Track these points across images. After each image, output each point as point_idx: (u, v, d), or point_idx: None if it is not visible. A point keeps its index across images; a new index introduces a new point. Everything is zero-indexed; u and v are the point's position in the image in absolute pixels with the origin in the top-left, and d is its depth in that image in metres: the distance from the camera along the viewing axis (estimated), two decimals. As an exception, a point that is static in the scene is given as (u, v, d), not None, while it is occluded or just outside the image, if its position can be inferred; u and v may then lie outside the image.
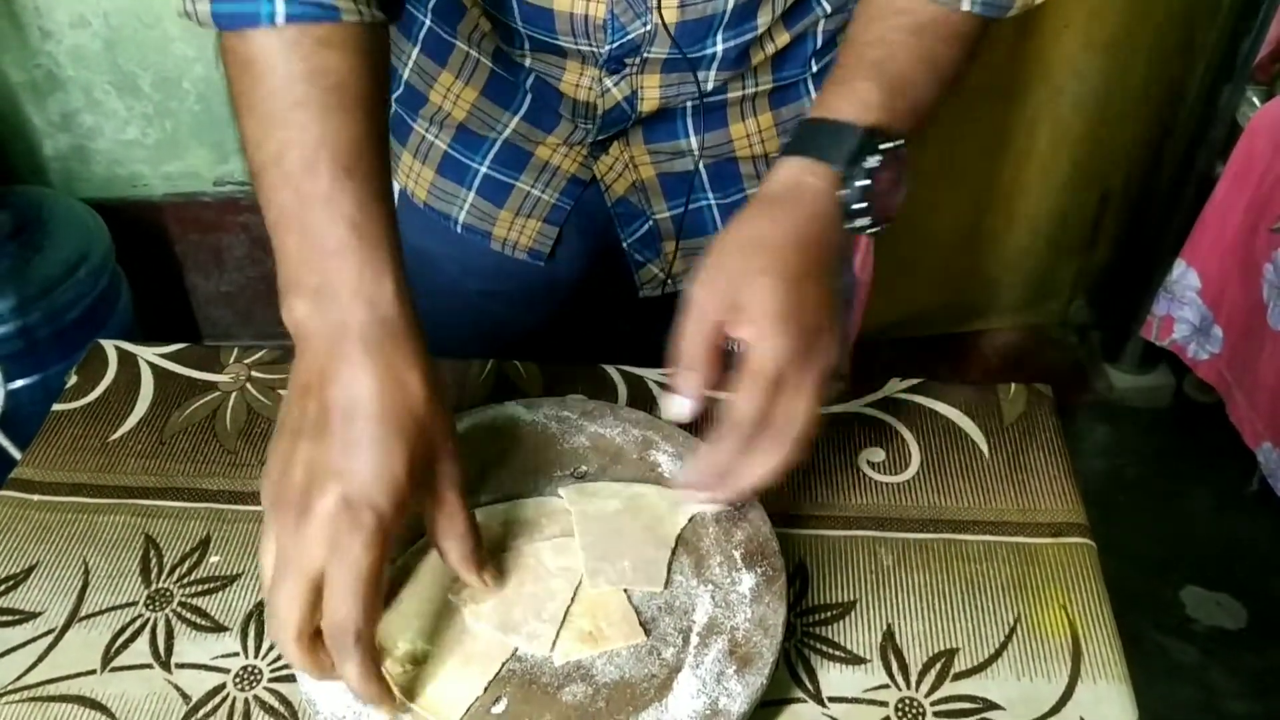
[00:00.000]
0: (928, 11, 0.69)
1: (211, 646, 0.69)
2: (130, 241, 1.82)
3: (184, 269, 2.03)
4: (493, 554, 0.66)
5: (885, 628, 0.70)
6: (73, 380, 0.86)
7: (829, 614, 0.70)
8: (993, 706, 0.66)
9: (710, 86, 0.82)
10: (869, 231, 0.67)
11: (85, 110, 1.81)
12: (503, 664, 0.62)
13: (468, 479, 0.60)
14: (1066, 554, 0.74)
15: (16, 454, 1.29)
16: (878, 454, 0.80)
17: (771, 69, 0.84)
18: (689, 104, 0.84)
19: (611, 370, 0.85)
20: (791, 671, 0.67)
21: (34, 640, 0.69)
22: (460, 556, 0.61)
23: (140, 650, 0.68)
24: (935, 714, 0.65)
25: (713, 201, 0.90)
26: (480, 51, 0.85)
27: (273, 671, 0.67)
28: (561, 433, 0.76)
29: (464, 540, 0.60)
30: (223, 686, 0.66)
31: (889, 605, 0.71)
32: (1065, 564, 0.73)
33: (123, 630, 0.69)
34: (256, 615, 0.70)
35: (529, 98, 0.85)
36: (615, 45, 0.76)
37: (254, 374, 0.87)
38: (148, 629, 0.69)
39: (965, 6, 0.69)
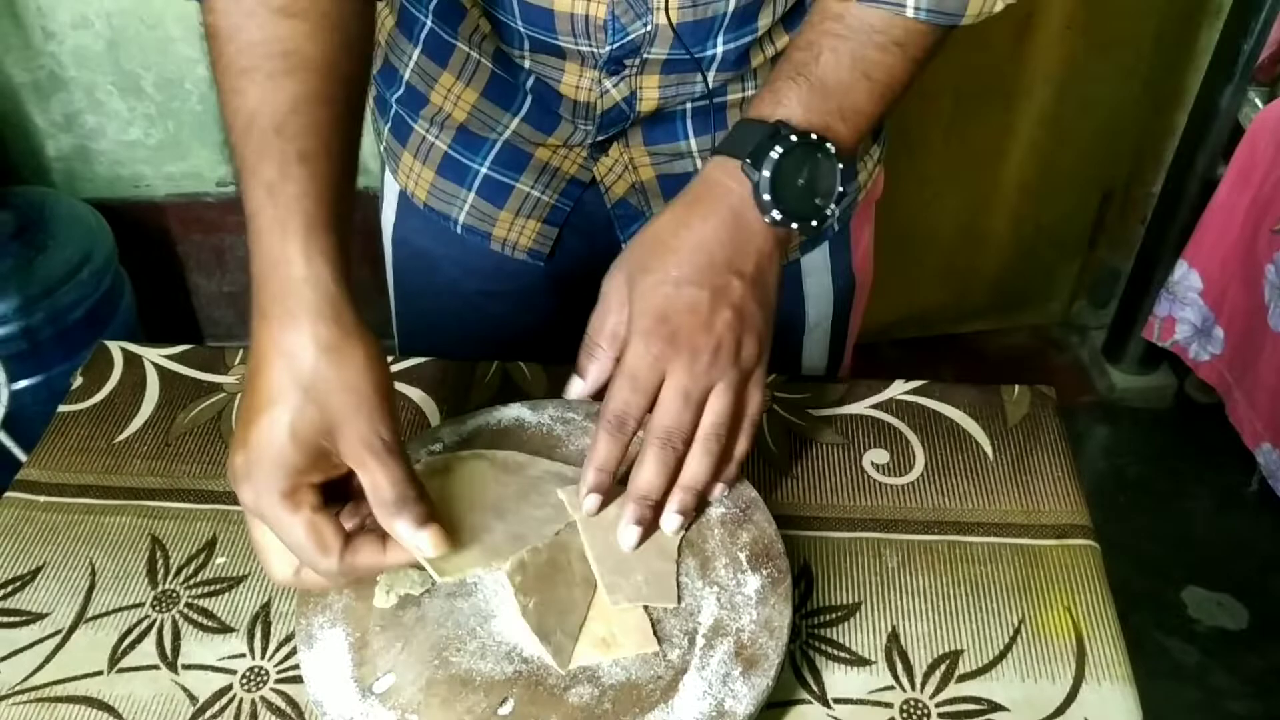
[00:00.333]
0: (862, 17, 0.68)
1: (218, 647, 0.69)
2: (133, 242, 1.82)
3: (186, 269, 2.03)
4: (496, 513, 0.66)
5: (890, 629, 0.70)
6: (78, 381, 0.86)
7: (834, 615, 0.71)
8: (997, 708, 0.66)
9: (710, 87, 0.82)
10: (797, 229, 0.68)
11: (88, 111, 1.82)
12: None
13: (391, 433, 0.57)
14: (1071, 556, 0.74)
15: (20, 454, 1.29)
16: (882, 456, 0.81)
17: (771, 71, 0.84)
18: (689, 106, 0.84)
19: (616, 372, 0.86)
20: (797, 673, 0.67)
21: (41, 641, 0.69)
22: (386, 518, 0.58)
23: (147, 651, 0.68)
24: (940, 715, 0.65)
25: None
26: (481, 53, 0.85)
27: (279, 673, 0.67)
28: (567, 434, 0.76)
29: (386, 502, 0.57)
30: (229, 687, 0.67)
31: (894, 607, 0.71)
32: (1070, 566, 0.73)
33: (129, 631, 0.70)
34: (263, 616, 0.70)
35: (529, 99, 0.85)
36: (615, 46, 0.76)
37: (259, 375, 0.87)
38: (154, 630, 0.70)
39: (909, 14, 0.68)
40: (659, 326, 0.63)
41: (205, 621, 0.70)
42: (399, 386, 0.85)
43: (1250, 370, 1.65)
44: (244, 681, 0.67)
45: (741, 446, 0.68)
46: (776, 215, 0.66)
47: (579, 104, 0.83)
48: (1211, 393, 1.83)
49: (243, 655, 0.68)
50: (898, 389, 0.85)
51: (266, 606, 0.71)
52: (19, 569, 0.73)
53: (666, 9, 0.74)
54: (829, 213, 0.68)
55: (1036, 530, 0.76)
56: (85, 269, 1.63)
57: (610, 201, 0.89)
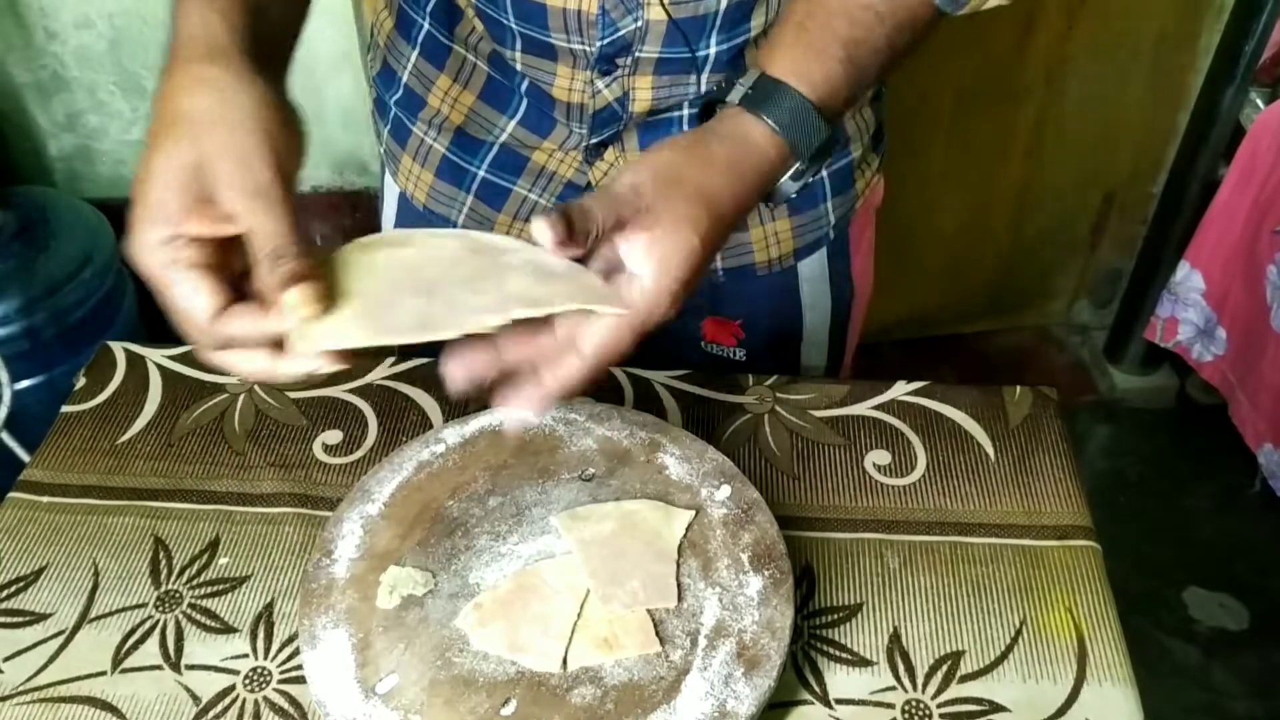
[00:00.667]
0: None
1: (221, 648, 0.69)
2: (135, 242, 1.82)
3: (188, 269, 2.03)
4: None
5: (892, 630, 0.70)
6: (81, 382, 0.87)
7: (835, 616, 0.71)
8: (999, 709, 0.66)
9: (705, 89, 0.82)
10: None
11: (90, 111, 1.82)
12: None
13: (273, 178, 0.53)
14: (1072, 556, 0.74)
15: (22, 454, 1.29)
16: (884, 457, 0.81)
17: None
18: (685, 111, 0.84)
19: (618, 372, 0.86)
20: (799, 674, 0.67)
21: (44, 641, 0.69)
22: (261, 274, 0.52)
23: (150, 651, 0.69)
24: (942, 716, 0.66)
25: None
26: (476, 55, 0.85)
27: (282, 673, 0.67)
28: (569, 435, 0.76)
29: (258, 252, 0.52)
30: (232, 688, 0.67)
31: (895, 607, 0.71)
32: (1071, 566, 0.74)
33: (133, 631, 0.70)
34: (266, 617, 0.71)
35: (524, 102, 0.86)
36: (606, 42, 0.76)
37: (262, 376, 0.87)
38: (157, 630, 0.70)
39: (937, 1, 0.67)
40: (682, 292, 0.59)
41: (208, 622, 0.70)
42: (400, 387, 0.86)
43: (1253, 371, 1.65)
44: (247, 682, 0.67)
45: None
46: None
47: (572, 106, 0.83)
48: (1213, 393, 1.83)
49: (246, 655, 0.68)
50: (899, 390, 0.85)
51: (269, 607, 0.71)
52: (22, 569, 0.73)
53: (659, 3, 0.74)
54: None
55: (1038, 531, 0.76)
56: (87, 268, 1.63)
57: None
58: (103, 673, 0.68)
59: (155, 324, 1.88)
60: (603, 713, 0.61)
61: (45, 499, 0.78)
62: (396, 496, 0.72)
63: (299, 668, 0.66)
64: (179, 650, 0.69)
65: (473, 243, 0.58)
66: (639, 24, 0.75)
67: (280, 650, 0.69)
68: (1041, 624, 0.70)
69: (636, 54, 0.78)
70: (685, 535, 0.69)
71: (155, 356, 0.89)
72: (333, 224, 1.97)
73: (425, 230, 0.60)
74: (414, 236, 0.58)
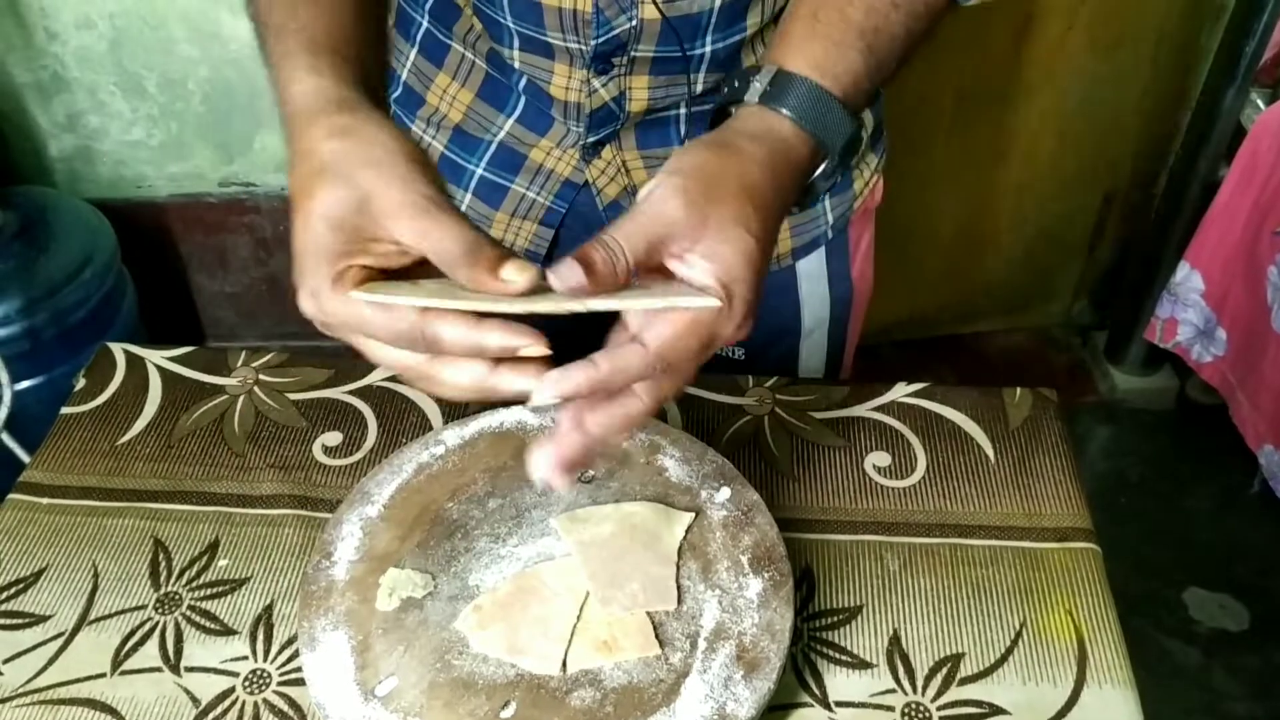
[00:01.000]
0: None
1: (221, 650, 0.69)
2: (135, 242, 1.82)
3: (189, 269, 2.03)
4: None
5: (891, 632, 0.70)
6: (81, 383, 0.87)
7: (835, 619, 0.71)
8: (999, 711, 0.66)
9: (701, 89, 0.82)
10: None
11: (90, 111, 1.82)
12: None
13: (436, 192, 0.53)
14: (1072, 559, 0.74)
15: (22, 455, 1.29)
16: (884, 458, 0.81)
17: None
18: (683, 110, 0.84)
19: (618, 374, 0.86)
20: (798, 676, 0.67)
21: (44, 643, 0.69)
22: (463, 273, 0.52)
23: (150, 653, 0.69)
24: (942, 718, 0.65)
25: None
26: (475, 53, 0.86)
27: (282, 675, 0.67)
28: (569, 437, 0.76)
29: (456, 256, 0.52)
30: (232, 690, 0.67)
31: (895, 610, 0.71)
32: (1071, 569, 0.73)
33: (132, 633, 0.70)
34: (266, 619, 0.71)
35: (522, 100, 0.86)
36: (601, 40, 0.76)
37: (261, 377, 0.87)
38: (157, 632, 0.70)
39: None
40: (753, 298, 0.56)
41: (208, 624, 0.70)
42: (399, 388, 0.86)
43: (1253, 372, 1.65)
44: (246, 684, 0.67)
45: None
46: (821, 196, 0.64)
47: (569, 104, 0.83)
48: (1213, 394, 1.83)
49: (245, 658, 0.68)
50: (899, 391, 0.85)
51: (269, 609, 0.71)
52: (22, 571, 0.73)
53: (653, 1, 0.74)
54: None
55: (1038, 533, 0.76)
56: (88, 269, 1.63)
57: (603, 204, 0.90)
58: (102, 675, 0.68)
59: (156, 325, 1.88)
60: (602, 715, 0.61)
61: (45, 500, 0.78)
62: (396, 498, 0.72)
63: (298, 670, 0.66)
64: (178, 652, 0.69)
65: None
66: (633, 23, 0.75)
67: (280, 652, 0.69)
68: (1041, 626, 0.70)
69: (632, 53, 0.78)
70: (685, 537, 0.69)
71: (155, 358, 0.89)
72: (333, 224, 1.96)
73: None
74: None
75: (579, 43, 0.77)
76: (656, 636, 0.64)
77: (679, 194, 0.53)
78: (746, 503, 0.71)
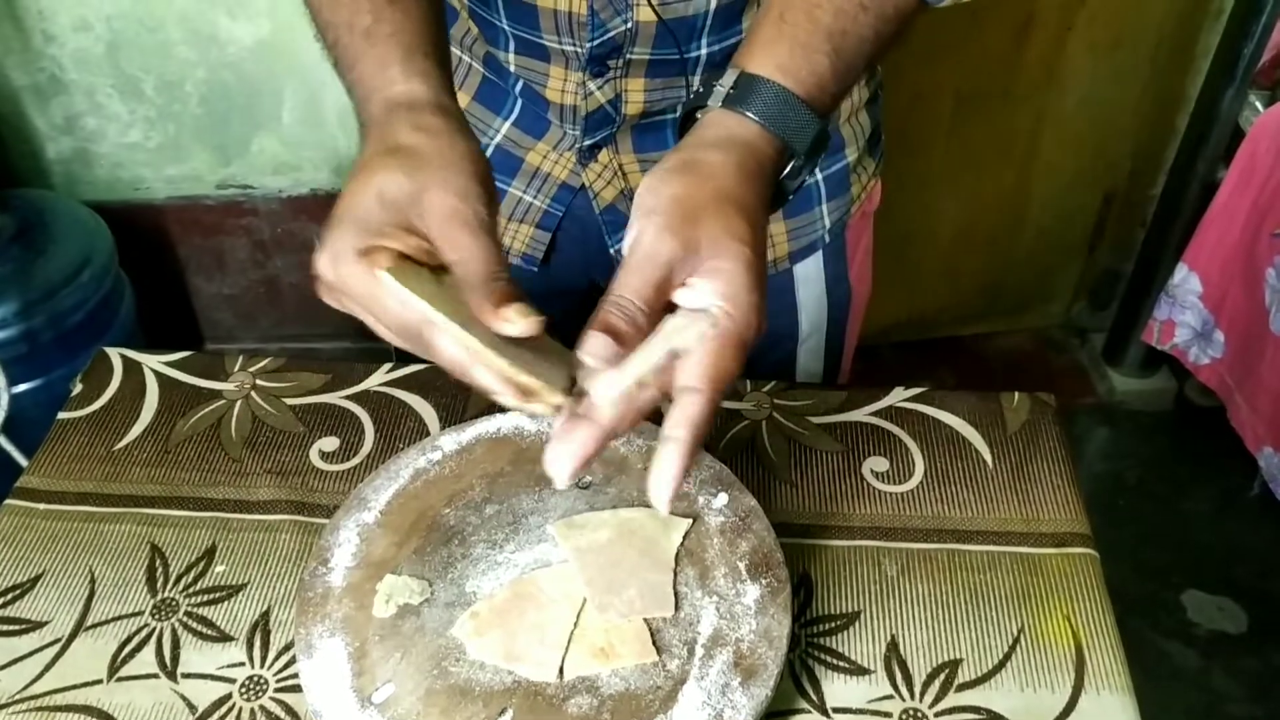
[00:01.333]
0: None
1: (217, 656, 0.69)
2: (133, 245, 1.82)
3: (186, 272, 2.03)
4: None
5: (889, 638, 0.70)
6: (78, 388, 0.86)
7: (833, 625, 0.71)
8: (997, 718, 0.66)
9: (697, 92, 0.81)
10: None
11: (88, 113, 1.81)
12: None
13: (488, 214, 0.55)
14: (1070, 564, 0.74)
15: (20, 458, 1.29)
16: (881, 463, 0.81)
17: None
18: (679, 113, 0.84)
19: (615, 379, 0.85)
20: (796, 682, 0.67)
21: (40, 650, 0.69)
22: (473, 295, 0.53)
23: (146, 660, 0.68)
24: (939, 725, 0.65)
25: None
26: (472, 56, 0.86)
27: (279, 682, 0.67)
28: (566, 442, 0.76)
29: (475, 276, 0.53)
30: (229, 696, 0.67)
31: (893, 616, 0.71)
32: (1069, 574, 0.73)
33: (129, 640, 0.70)
34: (262, 625, 0.70)
35: (519, 103, 0.86)
36: (596, 43, 0.76)
37: (259, 382, 0.87)
38: (154, 638, 0.70)
39: None
40: (760, 305, 0.56)
41: (204, 630, 0.70)
42: (396, 393, 0.86)
43: (1252, 374, 1.65)
44: (243, 690, 0.67)
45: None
46: (790, 197, 0.63)
47: (565, 108, 0.83)
48: (1212, 396, 1.83)
49: (242, 664, 0.68)
50: (897, 396, 0.85)
51: (266, 615, 0.71)
52: (18, 577, 0.73)
53: (649, 4, 0.74)
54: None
55: (1036, 539, 0.76)
56: (85, 272, 1.63)
57: (599, 208, 0.90)
58: (99, 681, 0.67)
59: (153, 328, 1.88)
60: (599, 722, 0.61)
61: (41, 506, 0.78)
62: (393, 504, 0.72)
63: (295, 676, 0.66)
64: (175, 659, 0.69)
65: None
66: (629, 25, 0.75)
67: (277, 659, 0.68)
68: (1039, 632, 0.70)
69: (628, 55, 0.78)
70: (682, 543, 0.69)
71: (152, 362, 0.88)
72: (331, 226, 1.96)
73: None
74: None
75: (574, 45, 0.77)
76: (654, 643, 0.64)
77: (665, 232, 0.54)
78: (744, 508, 0.71)
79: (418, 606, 0.67)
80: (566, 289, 0.95)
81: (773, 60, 0.60)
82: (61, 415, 0.84)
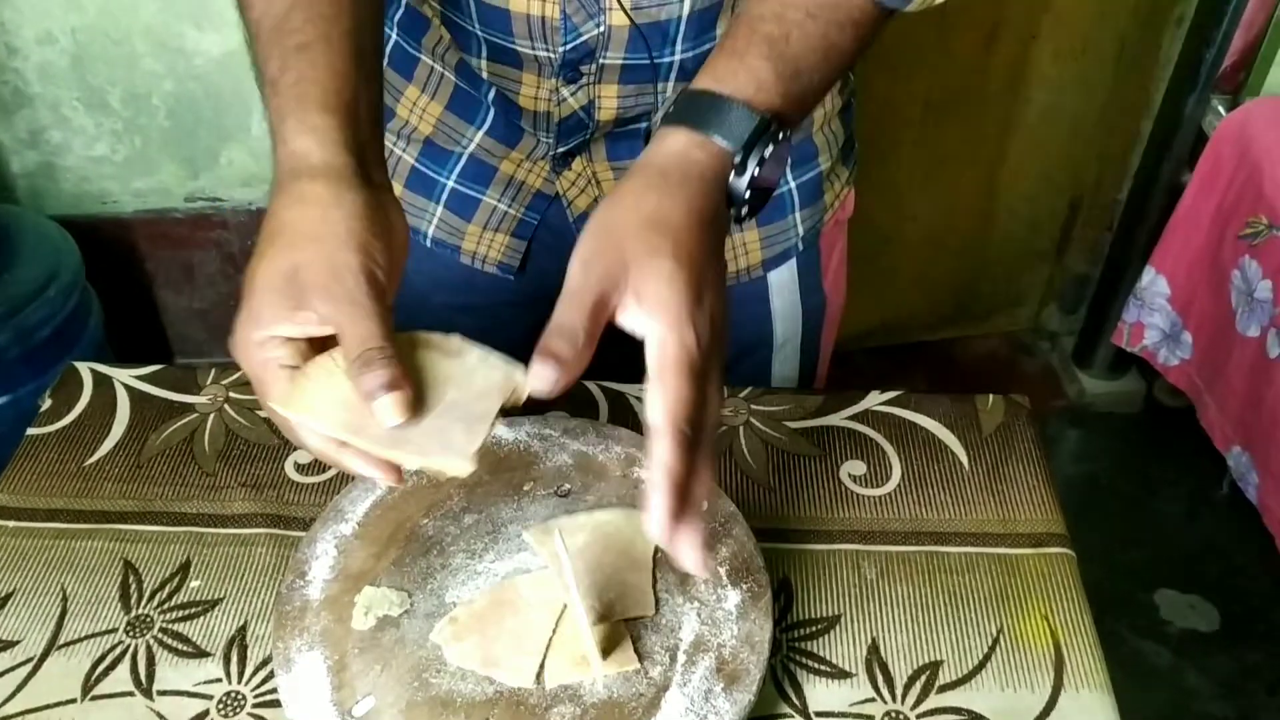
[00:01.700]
0: None
1: (193, 673, 0.68)
2: (100, 259, 1.80)
3: (155, 286, 2.01)
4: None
5: (870, 641, 0.70)
6: (47, 404, 0.85)
7: (814, 629, 0.71)
8: (978, 718, 0.66)
9: (668, 99, 0.82)
10: (742, 214, 0.64)
11: (53, 127, 1.79)
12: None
13: (363, 286, 0.55)
14: (1047, 564, 0.74)
15: (-13, 476, 1.27)
16: (859, 467, 0.81)
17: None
18: (654, 120, 0.84)
19: (592, 386, 0.85)
20: (778, 687, 0.67)
21: (12, 670, 0.68)
22: (352, 376, 0.54)
23: (121, 678, 0.67)
24: (921, 727, 0.66)
25: None
26: (444, 65, 0.86)
27: (257, 697, 0.66)
28: (544, 451, 0.76)
29: (350, 357, 0.55)
30: (206, 713, 0.66)
31: (873, 619, 0.71)
32: (1046, 574, 0.74)
33: (103, 658, 0.69)
34: (239, 640, 0.70)
35: (492, 112, 0.86)
36: (569, 48, 0.77)
37: (232, 395, 0.86)
38: (128, 656, 0.69)
39: None
40: (696, 314, 0.56)
41: (180, 646, 0.69)
42: (374, 404, 0.85)
43: (1219, 374, 1.67)
44: (221, 707, 0.66)
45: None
46: (744, 208, 0.63)
47: (538, 115, 0.83)
48: (1180, 396, 1.85)
49: (219, 680, 0.67)
50: (873, 400, 0.86)
51: (243, 630, 0.70)
52: (-12, 596, 0.72)
53: (620, 8, 0.74)
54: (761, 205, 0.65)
55: (1013, 539, 0.76)
56: (52, 287, 1.61)
57: (573, 216, 0.90)
58: (72, 700, 0.66)
59: (122, 343, 1.85)
60: (582, 731, 0.61)
61: (11, 523, 0.76)
62: (370, 516, 0.72)
63: (274, 691, 0.65)
64: (150, 676, 0.68)
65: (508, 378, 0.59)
66: (601, 29, 0.75)
67: (254, 674, 0.68)
68: (1018, 632, 0.71)
69: (601, 60, 0.78)
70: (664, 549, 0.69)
71: (122, 376, 0.87)
72: (302, 238, 1.95)
73: (477, 350, 0.60)
74: (465, 351, 0.60)
75: (547, 50, 0.77)
76: (636, 650, 0.64)
77: (592, 256, 0.56)
78: (723, 514, 0.71)
79: (397, 618, 0.66)
80: (543, 296, 0.94)
81: (708, 74, 0.61)
82: (31, 431, 0.83)
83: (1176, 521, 1.96)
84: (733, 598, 0.66)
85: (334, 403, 0.55)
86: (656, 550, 0.69)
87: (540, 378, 0.54)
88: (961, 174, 2.02)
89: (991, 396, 0.86)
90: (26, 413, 0.85)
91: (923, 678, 0.68)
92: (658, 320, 0.54)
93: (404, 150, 0.90)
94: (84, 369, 0.88)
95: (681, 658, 0.64)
